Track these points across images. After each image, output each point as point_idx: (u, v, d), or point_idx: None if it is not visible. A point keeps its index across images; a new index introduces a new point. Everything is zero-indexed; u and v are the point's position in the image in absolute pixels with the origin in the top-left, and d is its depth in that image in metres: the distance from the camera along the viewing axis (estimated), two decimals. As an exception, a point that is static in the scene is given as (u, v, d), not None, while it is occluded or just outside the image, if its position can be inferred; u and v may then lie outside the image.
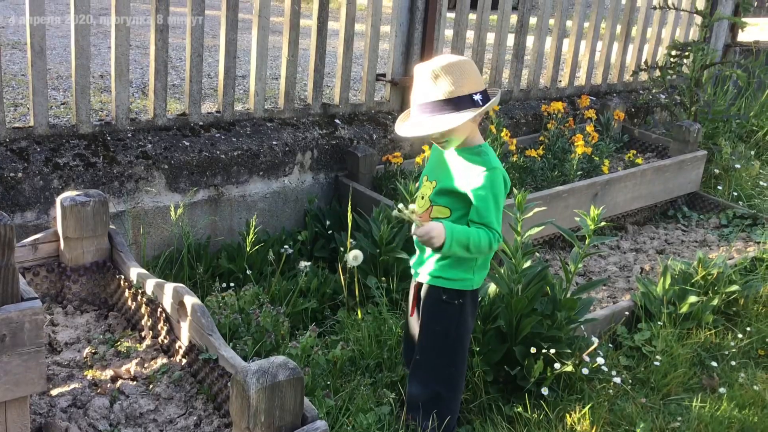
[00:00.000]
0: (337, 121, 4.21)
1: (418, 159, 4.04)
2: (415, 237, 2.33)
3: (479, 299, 2.94)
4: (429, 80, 2.22)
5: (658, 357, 3.08)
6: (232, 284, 3.33)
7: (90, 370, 2.34)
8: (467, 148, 2.32)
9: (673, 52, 5.43)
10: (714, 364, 3.16)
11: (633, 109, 5.72)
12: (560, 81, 5.52)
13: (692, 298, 3.32)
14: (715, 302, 3.38)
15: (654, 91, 5.59)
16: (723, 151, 5.29)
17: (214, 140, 3.70)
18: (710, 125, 5.56)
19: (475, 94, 2.22)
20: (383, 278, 3.33)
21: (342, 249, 3.44)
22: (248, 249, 3.41)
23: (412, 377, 2.53)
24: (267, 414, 1.80)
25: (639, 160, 4.73)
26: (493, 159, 2.31)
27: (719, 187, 5.17)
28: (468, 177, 2.28)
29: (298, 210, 4.03)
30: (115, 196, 3.37)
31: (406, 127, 2.31)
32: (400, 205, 2.25)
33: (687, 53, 5.35)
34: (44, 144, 3.29)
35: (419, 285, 2.47)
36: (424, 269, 2.43)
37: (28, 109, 3.67)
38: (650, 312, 3.36)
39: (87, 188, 3.12)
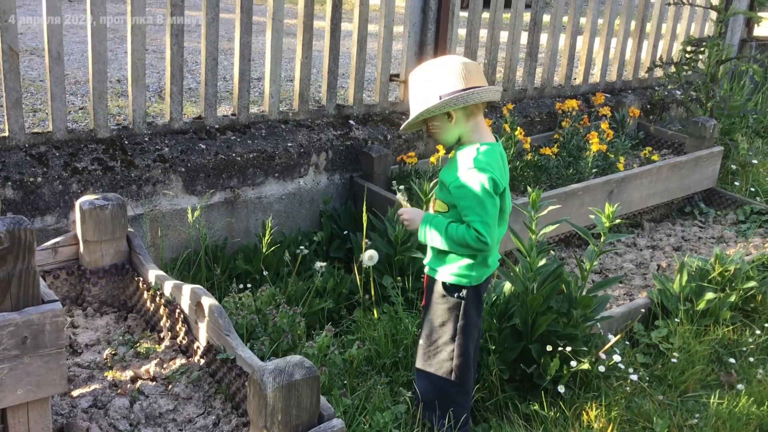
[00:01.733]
0: (351, 121, 4.23)
1: (432, 159, 4.05)
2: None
3: (491, 297, 2.95)
4: (411, 85, 2.39)
5: (675, 354, 3.07)
6: (248, 285, 3.36)
7: (110, 371, 2.37)
8: (463, 146, 2.38)
9: (689, 48, 5.40)
10: (732, 360, 3.14)
11: (648, 106, 5.70)
12: (575, 78, 5.51)
13: (709, 295, 3.31)
14: (732, 299, 3.36)
15: (669, 87, 5.57)
16: (740, 147, 5.25)
17: (229, 143, 3.73)
18: (726, 121, 5.53)
19: (454, 92, 2.28)
20: (399, 278, 3.35)
21: (358, 249, 3.46)
22: (264, 250, 3.43)
23: (418, 371, 2.57)
24: (284, 412, 1.82)
25: (655, 157, 4.71)
26: (480, 159, 2.30)
27: (736, 183, 5.13)
28: (454, 173, 2.33)
29: (314, 211, 4.05)
30: (133, 200, 3.41)
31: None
32: (400, 189, 2.63)
33: (702, 49, 5.31)
34: (63, 149, 3.33)
35: (427, 277, 2.52)
36: (426, 260, 2.52)
37: (47, 114, 3.72)
38: (667, 309, 3.35)
39: (105, 192, 3.16)
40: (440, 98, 2.28)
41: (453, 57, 2.36)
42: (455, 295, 2.43)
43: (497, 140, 2.42)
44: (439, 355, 2.50)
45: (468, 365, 2.52)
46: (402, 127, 2.45)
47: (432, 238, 2.38)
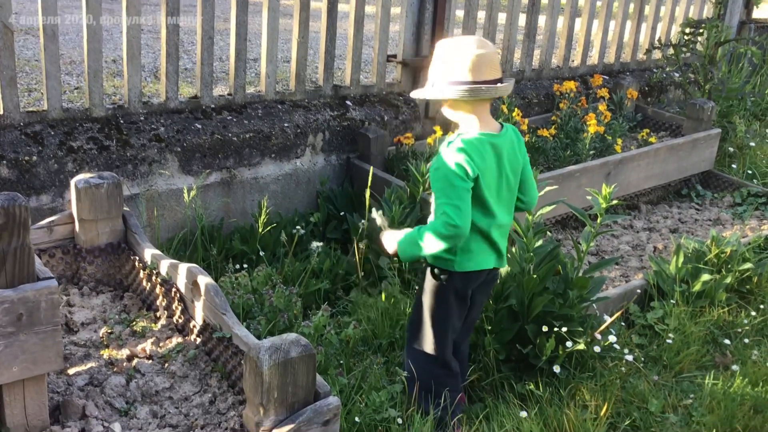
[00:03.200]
0: (348, 102, 4.21)
1: (429, 140, 4.04)
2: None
3: (487, 284, 2.93)
4: (433, 57, 2.37)
5: (670, 335, 3.08)
6: (245, 265, 3.35)
7: (106, 350, 2.37)
8: (455, 132, 2.38)
9: (687, 30, 5.37)
10: (727, 341, 3.15)
11: (646, 88, 5.68)
12: (573, 60, 5.48)
13: (705, 277, 3.31)
14: (728, 280, 3.37)
15: (668, 69, 5.54)
16: (737, 129, 5.25)
17: (226, 123, 3.71)
18: (724, 103, 5.51)
19: (459, 82, 2.26)
20: (395, 259, 3.34)
21: (355, 230, 3.45)
22: (261, 230, 3.43)
23: (407, 349, 2.60)
24: (280, 390, 1.82)
25: (652, 139, 4.70)
26: (456, 144, 2.28)
27: (733, 166, 5.13)
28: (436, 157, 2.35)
29: (310, 192, 4.04)
30: (128, 179, 3.40)
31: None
32: (377, 212, 2.64)
33: (701, 31, 5.29)
34: (58, 128, 3.31)
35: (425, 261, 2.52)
36: None
37: (42, 93, 3.69)
38: (663, 290, 3.36)
39: (101, 171, 3.14)
40: (445, 83, 2.29)
41: (472, 44, 2.28)
42: (442, 276, 2.43)
43: (503, 130, 2.37)
44: (424, 337, 2.51)
45: (447, 352, 2.52)
46: (413, 93, 2.46)
47: (410, 248, 2.36)
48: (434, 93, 2.33)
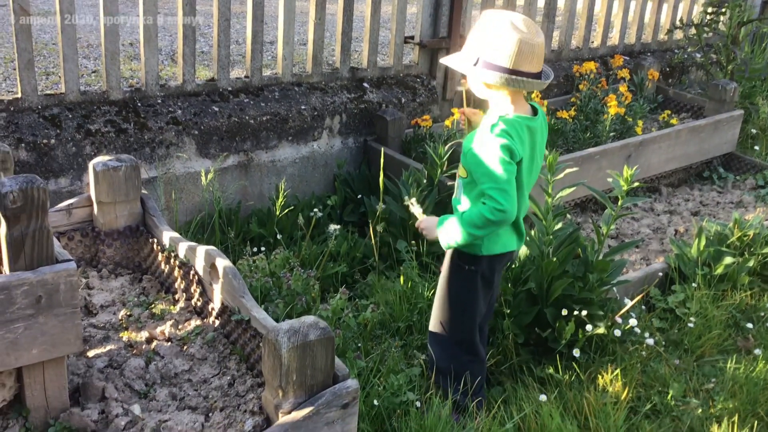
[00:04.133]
0: (365, 84, 4.18)
1: (447, 122, 4.00)
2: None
3: (505, 266, 2.92)
4: (476, 24, 2.28)
5: (692, 319, 3.05)
6: (262, 248, 3.35)
7: (125, 332, 2.38)
8: (489, 112, 2.32)
9: (709, 9, 5.28)
10: (749, 325, 3.11)
11: (668, 69, 5.60)
12: (593, 41, 5.41)
13: (728, 260, 3.27)
14: (751, 263, 3.32)
15: (689, 49, 5.46)
16: (760, 111, 5.16)
17: (243, 105, 3.70)
18: (747, 84, 5.42)
19: (500, 68, 2.18)
20: (413, 242, 3.32)
21: (372, 213, 3.43)
22: (278, 213, 3.42)
23: (430, 336, 2.57)
24: (299, 372, 1.82)
25: (674, 121, 4.64)
26: (498, 126, 2.22)
27: (756, 148, 5.05)
28: (472, 139, 2.29)
29: (328, 174, 4.03)
30: (146, 162, 3.40)
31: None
32: (411, 200, 2.58)
33: (723, 10, 5.20)
34: (76, 111, 3.31)
35: None
36: None
37: (60, 77, 3.69)
38: (684, 274, 3.32)
39: (119, 154, 3.14)
40: (483, 63, 2.20)
41: (521, 26, 2.18)
42: (468, 266, 2.41)
43: (537, 113, 2.32)
44: (449, 324, 2.49)
45: (475, 337, 2.51)
46: (443, 59, 2.39)
47: (452, 235, 2.31)
48: (472, 72, 2.24)
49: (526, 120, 2.27)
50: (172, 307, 2.50)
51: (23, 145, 3.11)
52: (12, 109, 3.19)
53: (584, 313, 2.72)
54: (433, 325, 2.55)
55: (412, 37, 4.40)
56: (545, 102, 4.34)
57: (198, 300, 2.45)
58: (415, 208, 2.56)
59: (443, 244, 2.37)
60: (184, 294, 2.52)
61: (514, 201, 2.21)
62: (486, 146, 2.22)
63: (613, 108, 4.22)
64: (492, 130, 2.22)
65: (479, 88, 2.31)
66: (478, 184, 2.26)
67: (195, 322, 2.41)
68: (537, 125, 2.30)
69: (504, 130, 2.21)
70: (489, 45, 2.20)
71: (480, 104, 2.54)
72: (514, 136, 2.22)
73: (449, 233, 2.32)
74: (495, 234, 2.35)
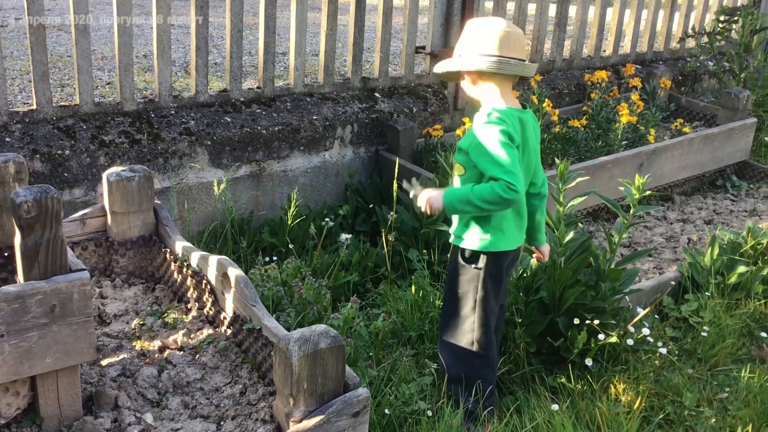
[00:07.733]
0: (376, 94, 4.20)
1: (458, 131, 4.01)
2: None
3: (518, 271, 2.92)
4: (462, 34, 2.40)
5: (705, 328, 3.03)
6: (274, 258, 3.36)
7: (138, 341, 2.39)
8: (481, 108, 2.37)
9: (722, 18, 5.27)
10: (763, 334, 3.09)
11: (680, 77, 5.58)
12: (604, 50, 5.41)
13: (741, 268, 3.25)
14: (764, 272, 3.30)
15: (702, 57, 5.44)
16: (774, 119, 5.14)
17: (255, 116, 3.72)
18: (760, 92, 5.40)
19: (488, 54, 2.27)
20: (425, 251, 3.33)
21: (383, 222, 3.44)
22: (290, 223, 3.43)
23: (441, 342, 2.57)
24: (309, 381, 1.82)
25: (686, 129, 4.62)
26: (492, 115, 2.26)
27: (770, 156, 5.03)
28: (469, 135, 2.32)
29: (339, 184, 4.04)
30: (160, 173, 3.43)
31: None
32: (413, 179, 2.48)
33: (736, 18, 5.18)
34: (90, 122, 3.35)
35: (452, 247, 2.50)
36: (452, 228, 2.49)
37: (74, 89, 3.73)
38: (697, 283, 3.30)
39: (132, 165, 3.17)
40: (476, 55, 2.29)
41: (501, 22, 2.32)
42: (474, 265, 2.41)
43: (525, 109, 2.38)
44: (460, 327, 2.49)
45: (490, 337, 2.50)
46: (436, 66, 2.45)
47: (461, 205, 2.30)
48: (461, 63, 2.34)
49: (518, 111, 2.34)
50: (184, 316, 2.52)
51: (38, 155, 3.14)
52: (27, 120, 3.23)
53: (596, 322, 2.71)
54: (443, 330, 2.54)
55: (424, 47, 4.42)
56: (557, 111, 4.34)
57: (210, 309, 2.46)
58: (416, 186, 2.47)
59: (449, 212, 2.34)
60: (197, 303, 2.54)
61: (522, 183, 2.24)
62: (485, 135, 2.26)
63: (625, 116, 4.22)
64: (488, 119, 2.28)
65: (469, 87, 2.39)
66: (485, 174, 2.27)
67: (207, 331, 2.42)
68: (528, 118, 2.36)
69: (499, 118, 2.27)
70: (474, 40, 2.31)
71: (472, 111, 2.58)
72: (509, 123, 2.27)
73: (459, 198, 2.29)
74: (501, 230, 2.38)
